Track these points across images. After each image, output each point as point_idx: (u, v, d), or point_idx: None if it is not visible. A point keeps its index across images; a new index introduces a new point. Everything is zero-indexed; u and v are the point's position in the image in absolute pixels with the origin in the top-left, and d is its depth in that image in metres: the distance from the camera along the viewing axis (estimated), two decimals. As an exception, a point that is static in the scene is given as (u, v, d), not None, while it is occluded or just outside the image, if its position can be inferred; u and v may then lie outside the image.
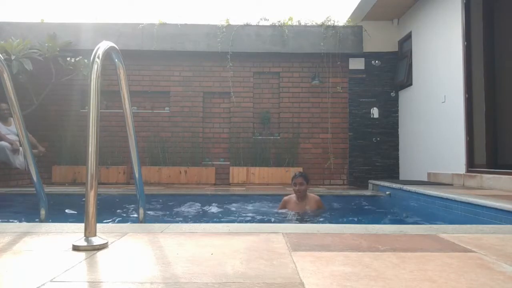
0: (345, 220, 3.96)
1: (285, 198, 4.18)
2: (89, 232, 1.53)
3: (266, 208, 4.48)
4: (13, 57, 6.15)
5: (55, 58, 6.66)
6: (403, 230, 1.93)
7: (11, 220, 3.45)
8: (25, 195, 4.88)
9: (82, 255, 1.40)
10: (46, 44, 6.62)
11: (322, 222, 3.73)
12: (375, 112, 7.40)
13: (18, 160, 5.66)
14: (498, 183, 4.32)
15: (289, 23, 7.41)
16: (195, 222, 3.70)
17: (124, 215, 4.03)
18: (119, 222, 3.53)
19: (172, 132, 7.38)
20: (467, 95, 5.08)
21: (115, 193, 5.19)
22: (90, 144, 1.60)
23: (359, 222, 3.74)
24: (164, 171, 6.96)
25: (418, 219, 3.88)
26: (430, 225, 2.46)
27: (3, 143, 5.60)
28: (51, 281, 1.11)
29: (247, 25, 7.37)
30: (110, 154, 6.96)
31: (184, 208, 4.41)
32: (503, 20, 5.04)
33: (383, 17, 7.23)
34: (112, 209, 4.22)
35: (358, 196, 5.30)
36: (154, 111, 7.46)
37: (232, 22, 7.36)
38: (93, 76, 1.65)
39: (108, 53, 1.85)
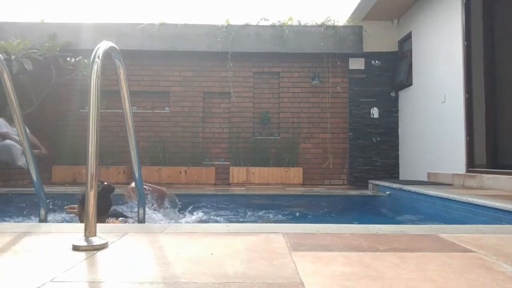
0: (345, 220, 3.96)
1: None
2: (89, 232, 1.52)
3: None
4: (13, 57, 6.14)
5: (55, 58, 6.65)
6: (403, 230, 1.93)
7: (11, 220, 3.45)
8: (25, 195, 4.87)
9: (82, 255, 1.40)
10: (46, 44, 6.61)
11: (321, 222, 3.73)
12: (375, 112, 7.40)
13: (23, 160, 5.69)
14: (498, 183, 4.32)
15: (289, 23, 7.41)
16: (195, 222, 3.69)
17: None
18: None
19: (172, 132, 7.38)
20: (467, 95, 5.08)
21: (115, 193, 5.17)
22: (90, 144, 1.59)
23: (359, 222, 3.74)
24: (164, 171, 6.96)
25: (418, 219, 3.88)
26: (430, 225, 2.46)
27: (9, 141, 5.63)
28: (51, 281, 1.11)
29: (247, 25, 7.37)
30: (110, 154, 6.96)
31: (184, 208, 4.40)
32: (503, 20, 5.04)
33: (383, 17, 7.23)
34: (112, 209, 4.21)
35: (358, 196, 5.31)
36: (154, 111, 7.46)
37: (232, 22, 7.36)
38: (93, 76, 1.65)
39: (108, 53, 1.85)
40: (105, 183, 2.88)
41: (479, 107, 5.09)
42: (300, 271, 1.22)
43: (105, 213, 2.92)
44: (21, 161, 5.70)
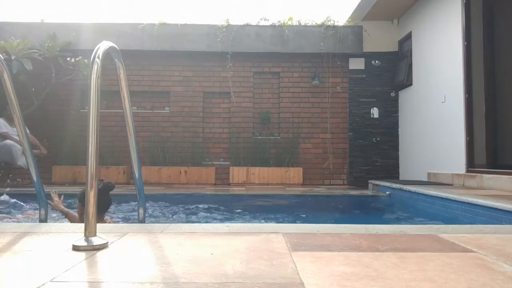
0: (345, 220, 3.96)
1: None
2: (89, 232, 1.53)
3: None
4: (13, 57, 6.14)
5: (55, 58, 6.65)
6: (403, 230, 1.93)
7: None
8: (25, 195, 4.86)
9: (82, 255, 1.40)
10: (46, 44, 6.61)
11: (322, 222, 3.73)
12: (375, 112, 7.40)
13: (22, 159, 5.71)
14: (498, 183, 4.32)
15: (289, 23, 7.41)
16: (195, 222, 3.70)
17: (124, 215, 4.03)
18: (119, 222, 3.53)
19: (172, 132, 7.38)
20: (467, 95, 5.08)
21: (115, 193, 5.17)
22: (90, 144, 1.59)
23: (359, 222, 3.74)
24: (164, 171, 6.96)
25: (418, 219, 3.88)
26: (430, 225, 2.46)
27: (9, 141, 5.64)
28: (51, 281, 1.11)
29: (247, 25, 7.36)
30: (110, 154, 6.96)
31: (183, 208, 4.41)
32: (503, 20, 5.04)
33: (383, 17, 7.23)
34: (112, 208, 4.21)
35: (358, 196, 5.31)
36: (154, 111, 7.46)
37: (232, 22, 7.36)
38: (93, 76, 1.65)
39: (108, 53, 1.85)
40: (105, 181, 2.89)
41: (479, 107, 5.09)
42: (300, 271, 1.22)
43: (104, 210, 2.93)
44: (21, 161, 5.72)
